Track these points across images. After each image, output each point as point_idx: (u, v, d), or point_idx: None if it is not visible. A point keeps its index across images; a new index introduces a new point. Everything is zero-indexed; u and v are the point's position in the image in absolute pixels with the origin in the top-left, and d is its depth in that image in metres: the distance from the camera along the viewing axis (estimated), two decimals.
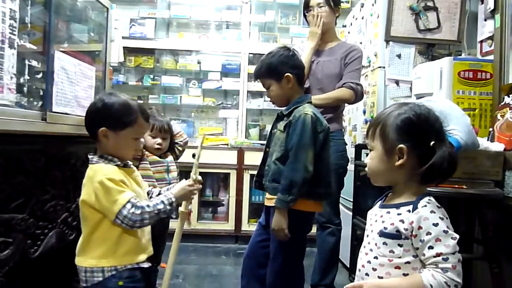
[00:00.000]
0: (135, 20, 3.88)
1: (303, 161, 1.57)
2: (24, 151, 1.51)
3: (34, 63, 1.56)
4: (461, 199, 1.82)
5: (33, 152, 1.56)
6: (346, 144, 2.36)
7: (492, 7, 2.15)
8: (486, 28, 2.27)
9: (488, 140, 1.89)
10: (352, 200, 2.62)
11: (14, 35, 1.35)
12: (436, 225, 0.96)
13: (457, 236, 0.96)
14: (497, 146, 1.79)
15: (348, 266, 2.68)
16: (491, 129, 1.94)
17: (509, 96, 1.92)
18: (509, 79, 2.03)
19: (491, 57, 2.17)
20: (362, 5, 2.94)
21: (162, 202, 1.32)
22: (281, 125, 1.70)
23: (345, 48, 2.28)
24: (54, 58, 1.62)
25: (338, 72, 2.23)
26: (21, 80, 1.47)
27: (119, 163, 1.35)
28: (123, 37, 3.62)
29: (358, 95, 2.22)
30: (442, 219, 0.97)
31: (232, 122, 3.93)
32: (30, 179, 1.53)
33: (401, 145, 1.01)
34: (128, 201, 1.25)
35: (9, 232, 1.42)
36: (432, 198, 1.01)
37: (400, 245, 0.99)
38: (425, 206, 0.99)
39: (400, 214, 1.01)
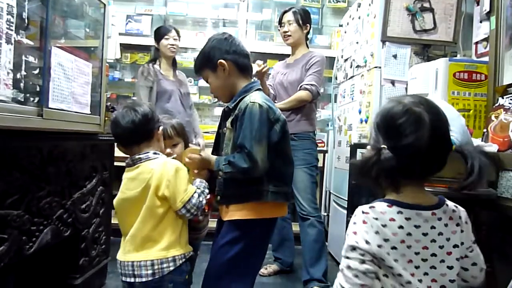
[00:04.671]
0: (132, 16, 3.86)
1: (256, 155, 1.32)
2: (20, 147, 1.50)
3: (31, 58, 1.55)
4: (454, 199, 1.83)
5: (29, 148, 1.55)
6: (317, 146, 2.62)
7: (488, 9, 2.17)
8: (481, 30, 2.29)
9: (482, 141, 1.91)
10: (347, 199, 2.63)
11: (11, 30, 1.35)
12: (348, 234, 0.92)
13: (352, 244, 0.89)
14: (491, 147, 1.81)
15: None
16: (485, 130, 1.96)
17: (503, 98, 1.93)
18: (503, 80, 2.05)
19: (486, 59, 2.18)
20: (359, 5, 2.95)
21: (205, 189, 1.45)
22: (229, 122, 1.45)
23: (307, 57, 2.58)
24: (51, 54, 1.61)
25: (299, 78, 2.55)
26: (18, 76, 1.46)
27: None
28: (119, 34, 3.61)
29: (313, 94, 2.49)
30: (355, 233, 0.90)
31: None
32: (26, 175, 1.52)
33: (382, 145, 0.91)
34: (195, 192, 1.37)
35: (4, 228, 1.42)
36: (365, 207, 0.92)
37: None
38: (355, 215, 0.93)
39: None
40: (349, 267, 0.89)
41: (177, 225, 1.37)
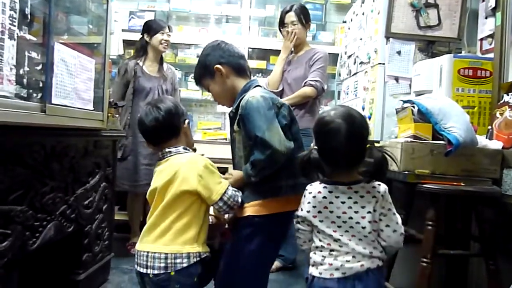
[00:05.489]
0: (135, 12, 3.86)
1: (271, 139, 1.30)
2: (23, 143, 1.50)
3: (33, 54, 1.54)
4: (458, 196, 1.82)
5: (32, 144, 1.56)
6: None
7: (493, 5, 2.15)
8: (486, 26, 2.27)
9: (486, 138, 1.90)
10: None
11: (14, 26, 1.35)
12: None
13: (296, 212, 1.29)
14: (496, 144, 1.80)
15: None
16: (489, 127, 1.95)
17: (508, 95, 1.92)
18: (508, 77, 2.03)
19: (491, 55, 2.16)
20: (363, 1, 2.93)
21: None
22: (235, 124, 1.46)
23: (310, 53, 2.66)
24: (53, 50, 1.61)
25: (303, 74, 2.62)
26: (21, 72, 1.46)
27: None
28: (122, 30, 3.60)
29: (318, 90, 2.58)
30: (301, 203, 1.27)
31: None
32: (29, 171, 1.53)
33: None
34: (229, 184, 1.40)
35: (8, 224, 1.42)
36: (309, 185, 1.27)
37: None
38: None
39: None
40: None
41: (197, 222, 1.35)
